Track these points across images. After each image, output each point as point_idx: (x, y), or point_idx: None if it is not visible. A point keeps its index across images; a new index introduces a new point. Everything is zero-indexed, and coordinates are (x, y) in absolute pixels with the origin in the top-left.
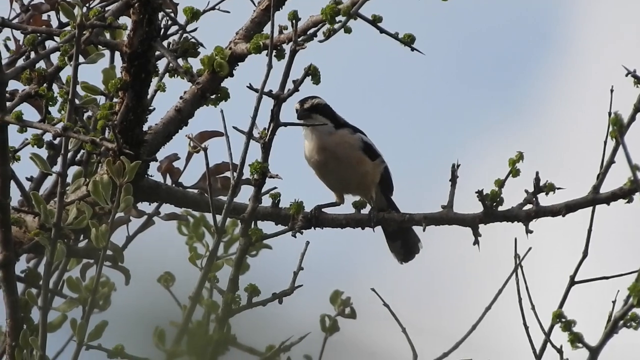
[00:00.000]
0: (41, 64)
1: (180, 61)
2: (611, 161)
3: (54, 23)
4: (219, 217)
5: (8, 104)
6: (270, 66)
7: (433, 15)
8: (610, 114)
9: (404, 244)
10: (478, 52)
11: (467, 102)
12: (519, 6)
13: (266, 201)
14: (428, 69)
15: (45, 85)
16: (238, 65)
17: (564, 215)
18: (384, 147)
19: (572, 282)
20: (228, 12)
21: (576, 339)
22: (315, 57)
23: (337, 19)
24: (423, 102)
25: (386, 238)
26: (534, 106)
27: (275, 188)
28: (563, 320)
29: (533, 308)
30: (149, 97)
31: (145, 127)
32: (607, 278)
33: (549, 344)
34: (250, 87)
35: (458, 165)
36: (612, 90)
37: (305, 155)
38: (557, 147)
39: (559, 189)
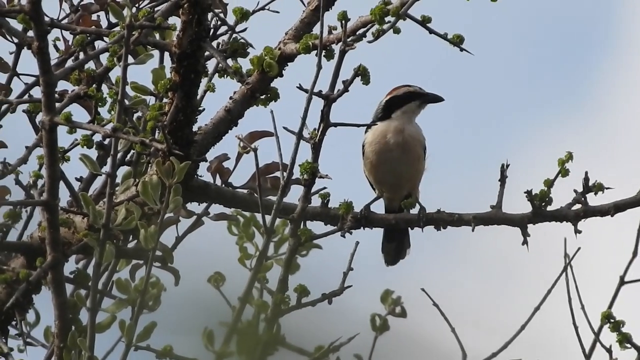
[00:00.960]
0: (90, 65)
1: (229, 61)
2: None
3: (104, 23)
4: (268, 217)
5: (57, 104)
6: (319, 66)
7: (485, 13)
8: None
9: (396, 247)
10: (532, 50)
11: (520, 101)
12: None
13: (315, 201)
14: (478, 69)
15: (94, 85)
16: (287, 65)
17: (612, 215)
18: (437, 146)
19: (622, 282)
20: (277, 12)
21: (625, 339)
22: (365, 57)
23: (387, 19)
24: (474, 102)
25: (384, 238)
26: (588, 106)
27: (324, 188)
28: (612, 320)
29: (583, 308)
30: (198, 97)
31: (195, 128)
32: None
33: (598, 344)
34: (300, 88)
35: (507, 165)
36: None
37: (368, 140)
38: (609, 146)
39: (607, 188)
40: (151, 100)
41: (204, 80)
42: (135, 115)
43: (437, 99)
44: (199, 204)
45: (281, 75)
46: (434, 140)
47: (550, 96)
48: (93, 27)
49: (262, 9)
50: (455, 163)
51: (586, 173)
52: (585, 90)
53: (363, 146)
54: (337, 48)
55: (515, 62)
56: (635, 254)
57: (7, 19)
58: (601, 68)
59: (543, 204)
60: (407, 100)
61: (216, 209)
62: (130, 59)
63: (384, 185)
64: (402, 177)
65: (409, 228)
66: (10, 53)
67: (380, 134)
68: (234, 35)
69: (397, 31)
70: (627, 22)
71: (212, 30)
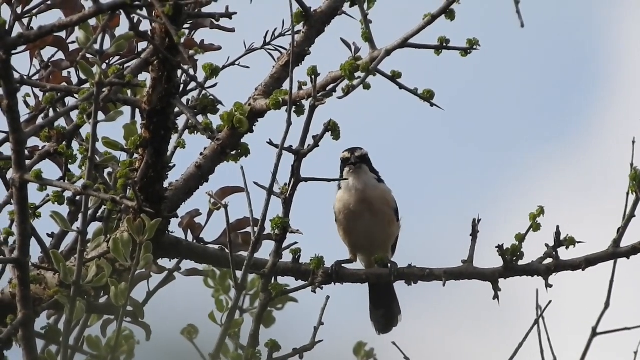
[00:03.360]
0: (61, 122)
1: (199, 118)
2: (632, 215)
3: (74, 79)
4: (239, 273)
5: (28, 161)
6: (289, 122)
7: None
8: (632, 165)
9: (385, 314)
10: (506, 96)
11: (493, 152)
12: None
13: (287, 257)
14: (450, 121)
15: (64, 143)
16: (258, 121)
17: (583, 269)
18: (408, 198)
19: (594, 334)
20: (247, 67)
21: None
22: (335, 112)
23: (356, 74)
24: (446, 154)
25: (370, 305)
26: (566, 151)
27: (296, 243)
28: None
29: None
30: (169, 153)
31: (165, 184)
32: (629, 329)
33: None
34: (271, 143)
35: (479, 220)
36: (633, 142)
37: (337, 207)
38: (583, 198)
39: (579, 242)
40: (122, 156)
41: (175, 137)
42: (106, 172)
43: (354, 164)
44: (170, 260)
45: (251, 131)
46: (405, 193)
47: (525, 145)
48: (63, 83)
49: (232, 64)
50: (427, 216)
51: (557, 227)
52: (565, 136)
53: (334, 211)
54: (307, 103)
55: (489, 112)
56: (607, 305)
57: None
58: (581, 114)
59: (514, 258)
60: (343, 166)
61: (187, 264)
62: (101, 116)
63: (359, 249)
64: (375, 241)
65: (394, 293)
66: None
67: (344, 205)
68: (204, 92)
69: (367, 87)
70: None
71: (181, 87)
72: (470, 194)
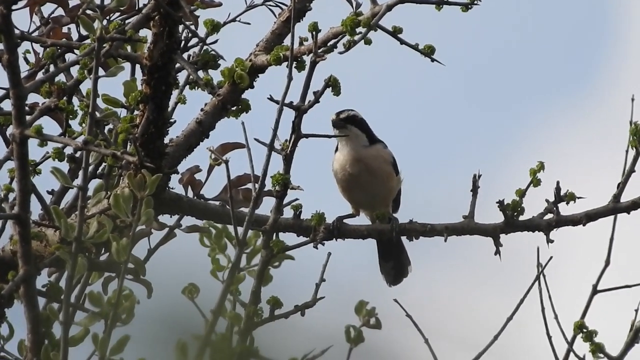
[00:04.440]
0: (61, 77)
1: (200, 73)
2: (631, 170)
3: (74, 36)
4: (240, 229)
5: (28, 117)
6: (290, 78)
7: (461, 25)
8: (631, 122)
9: (395, 266)
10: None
11: (496, 107)
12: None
13: (287, 213)
14: (452, 77)
15: (65, 98)
16: (258, 77)
17: (584, 225)
18: (410, 156)
19: (595, 291)
20: (249, 23)
21: (597, 349)
22: (336, 68)
23: (358, 30)
24: (447, 111)
25: (379, 258)
26: (577, 105)
27: (296, 199)
28: (584, 330)
29: (556, 317)
30: (169, 109)
31: (166, 140)
32: (629, 287)
33: (571, 353)
34: (271, 99)
35: (479, 176)
36: (632, 99)
37: (334, 168)
38: (588, 153)
39: (579, 198)
40: (122, 112)
41: (175, 92)
42: (107, 128)
43: (334, 126)
44: (170, 216)
45: (252, 87)
46: (406, 150)
47: (530, 102)
48: (64, 39)
49: (233, 20)
50: (427, 173)
51: (557, 183)
52: (570, 93)
53: (332, 171)
54: (308, 59)
55: (493, 69)
56: (607, 263)
57: None
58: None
59: (515, 213)
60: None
61: (188, 221)
62: (101, 72)
63: (360, 205)
64: (376, 197)
65: (402, 246)
66: None
67: (341, 166)
68: (205, 47)
69: (368, 42)
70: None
71: (183, 43)
72: (473, 151)
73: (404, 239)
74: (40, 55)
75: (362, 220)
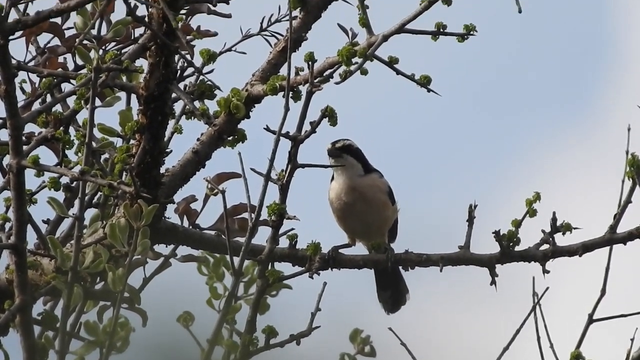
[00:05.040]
0: (57, 107)
1: (196, 103)
2: (628, 201)
3: (70, 66)
4: (236, 259)
5: (25, 147)
6: (287, 108)
7: (456, 55)
8: (627, 152)
9: (393, 294)
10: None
11: (489, 140)
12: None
13: (283, 242)
14: (449, 106)
15: (61, 128)
16: (255, 106)
17: (580, 255)
18: (406, 185)
19: (591, 320)
20: (244, 53)
21: None
22: (332, 98)
23: (354, 60)
24: (443, 141)
25: (377, 287)
26: (550, 146)
27: (292, 229)
28: (581, 359)
29: (552, 347)
30: (165, 139)
31: (162, 170)
32: (625, 316)
33: None
34: (268, 129)
35: (475, 206)
36: (629, 129)
37: (330, 197)
38: (583, 184)
39: (575, 228)
40: (118, 142)
41: (171, 122)
42: (103, 158)
43: (330, 154)
44: (166, 246)
45: (248, 117)
46: (401, 178)
47: (524, 133)
48: (60, 69)
49: (229, 50)
50: (423, 201)
51: (554, 213)
52: (565, 123)
53: (329, 200)
54: (304, 89)
55: (486, 99)
56: (603, 292)
57: None
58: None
59: (511, 244)
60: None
61: (184, 250)
62: (98, 102)
63: (356, 234)
64: (371, 226)
65: (400, 275)
66: None
67: (336, 196)
68: (201, 77)
69: (364, 72)
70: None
71: (179, 72)
72: (468, 180)
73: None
74: (37, 85)
75: (359, 249)
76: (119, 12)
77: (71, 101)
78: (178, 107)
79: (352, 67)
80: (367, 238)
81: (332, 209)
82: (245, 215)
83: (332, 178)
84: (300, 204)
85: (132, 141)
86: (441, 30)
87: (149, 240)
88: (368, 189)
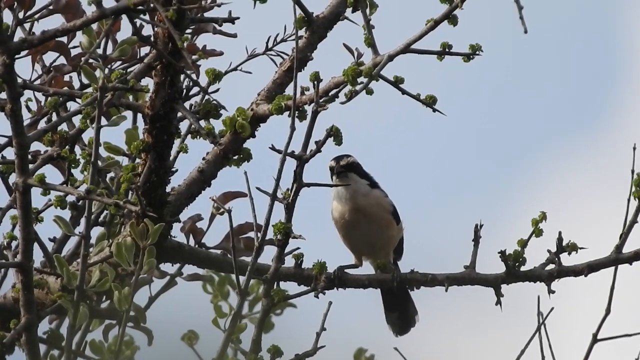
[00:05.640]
0: (63, 126)
1: (202, 122)
2: (634, 221)
3: (76, 84)
4: (242, 278)
5: (31, 166)
6: (292, 127)
7: (457, 75)
8: (633, 172)
9: (401, 316)
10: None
11: (497, 158)
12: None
13: (289, 262)
14: (453, 127)
15: (67, 147)
16: (260, 126)
17: (586, 275)
18: (412, 205)
19: (595, 340)
20: (250, 72)
21: None
22: (337, 117)
23: (359, 80)
24: (449, 161)
25: (385, 309)
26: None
27: (298, 248)
28: None
29: None
30: (171, 158)
31: (168, 189)
32: (629, 335)
33: None
34: (273, 148)
35: (481, 226)
36: (634, 148)
37: (334, 216)
38: (589, 203)
39: (581, 248)
40: (124, 161)
41: (177, 141)
42: (109, 176)
43: (338, 176)
44: (172, 265)
45: (254, 136)
46: (407, 200)
47: (531, 152)
48: (66, 88)
49: (235, 69)
50: (429, 221)
51: (560, 233)
52: (571, 142)
53: (332, 219)
54: (309, 109)
55: (493, 117)
56: (608, 311)
57: None
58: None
59: (517, 264)
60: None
61: (189, 269)
62: (103, 121)
63: (359, 254)
64: (375, 244)
65: (408, 296)
66: None
67: (339, 215)
68: (207, 97)
69: (369, 92)
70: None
71: (184, 92)
72: (474, 200)
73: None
74: (43, 104)
75: (367, 269)
76: (125, 32)
77: (77, 120)
78: (184, 126)
79: (358, 87)
80: (373, 257)
81: (337, 228)
82: (251, 234)
83: (334, 197)
84: (306, 223)
85: (138, 160)
86: (447, 50)
87: (154, 259)
88: (372, 208)
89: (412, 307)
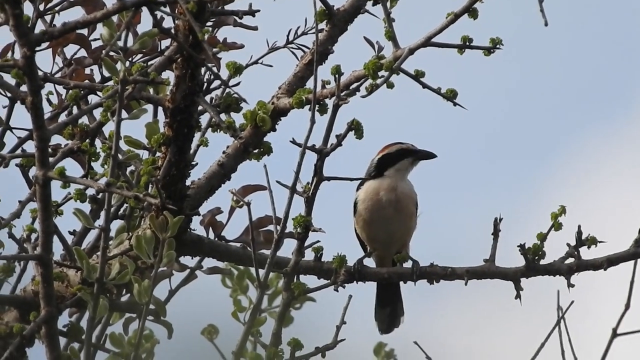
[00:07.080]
0: (84, 119)
1: (222, 116)
2: None
3: (97, 77)
4: (261, 271)
5: (51, 159)
6: (313, 121)
7: (480, 70)
8: None
9: (390, 314)
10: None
11: (516, 153)
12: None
13: (309, 255)
14: (473, 120)
15: (87, 140)
16: (281, 119)
17: (605, 269)
18: (431, 198)
19: (615, 334)
20: (271, 66)
21: None
22: (358, 111)
23: (380, 74)
24: (469, 154)
25: (377, 305)
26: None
27: (318, 242)
28: None
29: None
30: (191, 151)
31: (188, 182)
32: None
33: None
34: (294, 142)
35: (500, 219)
36: None
37: (362, 197)
38: (606, 197)
39: (600, 242)
40: (144, 154)
41: (197, 135)
42: (129, 170)
43: (429, 155)
44: (192, 258)
45: (274, 130)
46: (427, 193)
47: (551, 144)
48: (86, 81)
49: (256, 62)
50: (449, 216)
51: (579, 227)
52: (592, 138)
53: (355, 204)
54: (330, 102)
55: (512, 111)
56: (627, 306)
57: (0, 73)
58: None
59: (536, 257)
60: (399, 158)
61: (209, 262)
62: (124, 114)
63: (376, 242)
64: (394, 234)
65: (400, 295)
66: (4, 107)
67: (373, 191)
68: (227, 90)
69: (390, 86)
70: None
71: (205, 85)
72: (494, 193)
73: (422, 282)
74: (63, 97)
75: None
76: (146, 24)
77: (97, 113)
78: (204, 119)
79: (379, 81)
80: (388, 247)
81: (359, 210)
82: (271, 227)
83: (358, 187)
84: (326, 216)
85: (158, 153)
86: (467, 43)
87: (174, 252)
88: (404, 195)
89: (401, 307)
